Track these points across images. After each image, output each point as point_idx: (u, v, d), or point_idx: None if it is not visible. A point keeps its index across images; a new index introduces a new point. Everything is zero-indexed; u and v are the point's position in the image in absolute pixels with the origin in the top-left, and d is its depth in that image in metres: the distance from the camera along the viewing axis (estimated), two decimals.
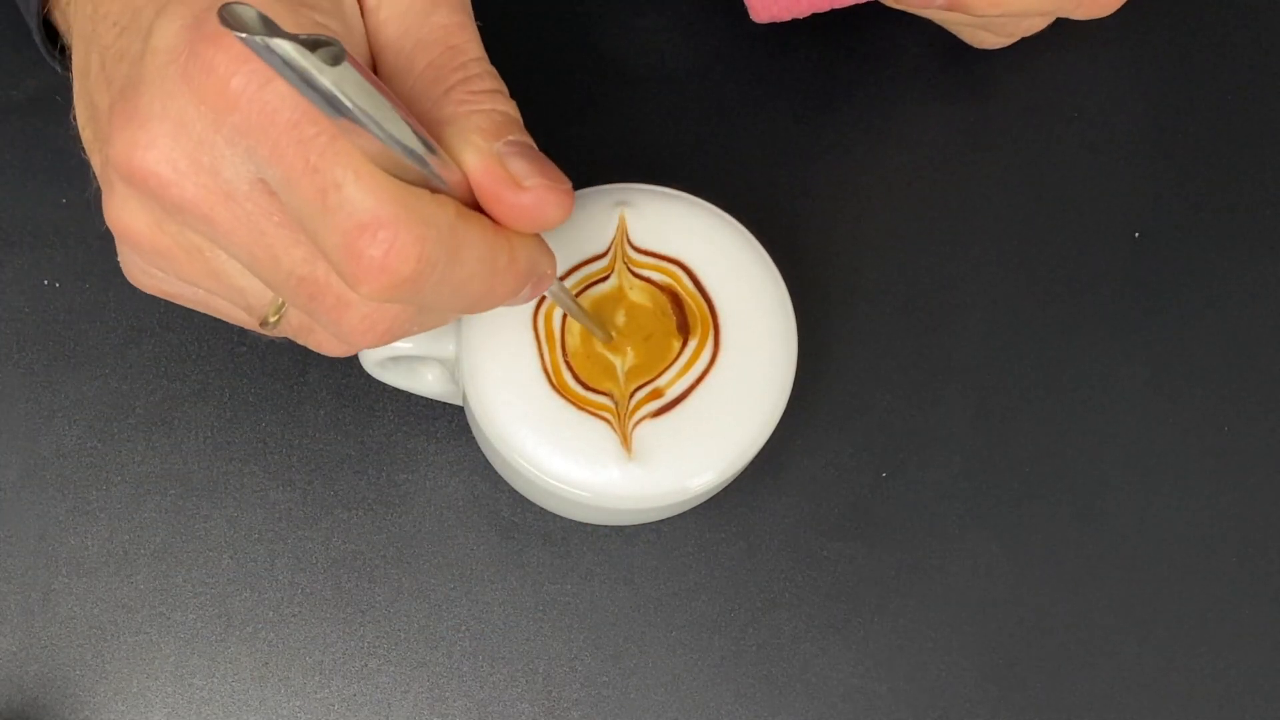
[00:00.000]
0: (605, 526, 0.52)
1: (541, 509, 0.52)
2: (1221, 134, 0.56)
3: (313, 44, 0.31)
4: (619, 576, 0.52)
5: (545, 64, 0.55)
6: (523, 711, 0.51)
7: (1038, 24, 0.51)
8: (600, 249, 0.45)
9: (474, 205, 0.37)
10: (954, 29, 0.53)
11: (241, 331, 0.53)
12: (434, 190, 0.35)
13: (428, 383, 0.50)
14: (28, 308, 0.53)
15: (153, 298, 0.53)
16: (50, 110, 0.54)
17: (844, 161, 0.55)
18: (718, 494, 0.49)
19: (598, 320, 0.44)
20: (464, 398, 0.47)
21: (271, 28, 0.30)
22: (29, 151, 0.53)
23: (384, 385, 0.51)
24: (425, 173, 0.35)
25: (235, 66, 0.33)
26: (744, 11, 0.52)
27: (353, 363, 0.52)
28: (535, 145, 0.37)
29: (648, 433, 0.44)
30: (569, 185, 0.37)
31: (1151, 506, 0.54)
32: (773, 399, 0.45)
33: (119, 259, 0.40)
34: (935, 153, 0.56)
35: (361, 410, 0.53)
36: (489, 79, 0.38)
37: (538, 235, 0.38)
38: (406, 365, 0.49)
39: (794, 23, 0.53)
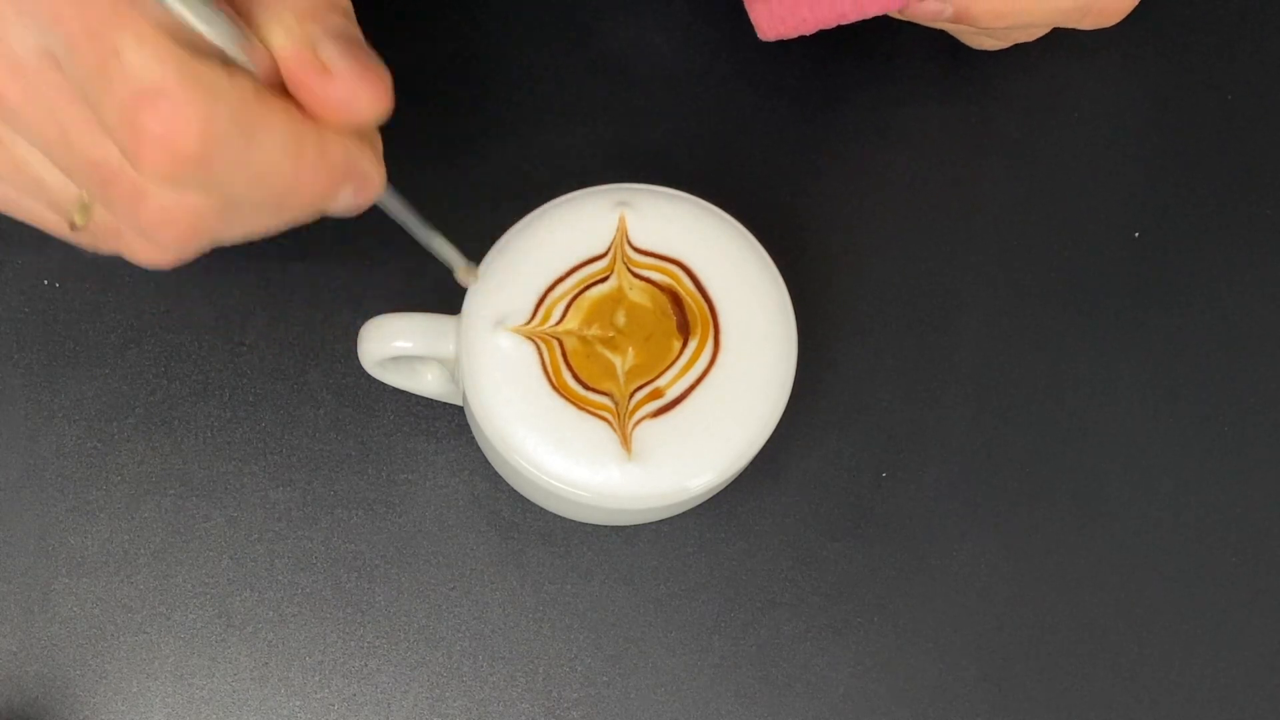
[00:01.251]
0: (605, 526, 0.52)
1: (541, 509, 0.52)
2: (1221, 134, 0.56)
3: None
4: (619, 576, 0.52)
5: (545, 64, 0.55)
6: (523, 711, 0.51)
7: (1037, 31, 0.51)
8: (600, 249, 0.45)
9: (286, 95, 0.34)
10: (954, 32, 0.53)
11: (242, 331, 0.53)
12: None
13: (428, 383, 0.50)
14: (28, 308, 0.53)
15: (153, 297, 0.53)
16: None
17: (844, 161, 0.55)
18: (718, 494, 0.49)
19: (447, 248, 0.42)
20: (464, 398, 0.47)
21: None
22: None
23: (384, 385, 0.51)
24: (227, 51, 0.32)
25: None
26: (744, 11, 0.52)
27: (353, 363, 0.52)
28: (360, 35, 0.35)
29: (648, 433, 0.44)
30: (387, 77, 0.34)
31: (1151, 507, 0.54)
32: (773, 399, 0.45)
33: None
34: (935, 153, 0.56)
35: (361, 410, 0.53)
36: None
37: (364, 134, 0.35)
38: (406, 365, 0.49)
39: None
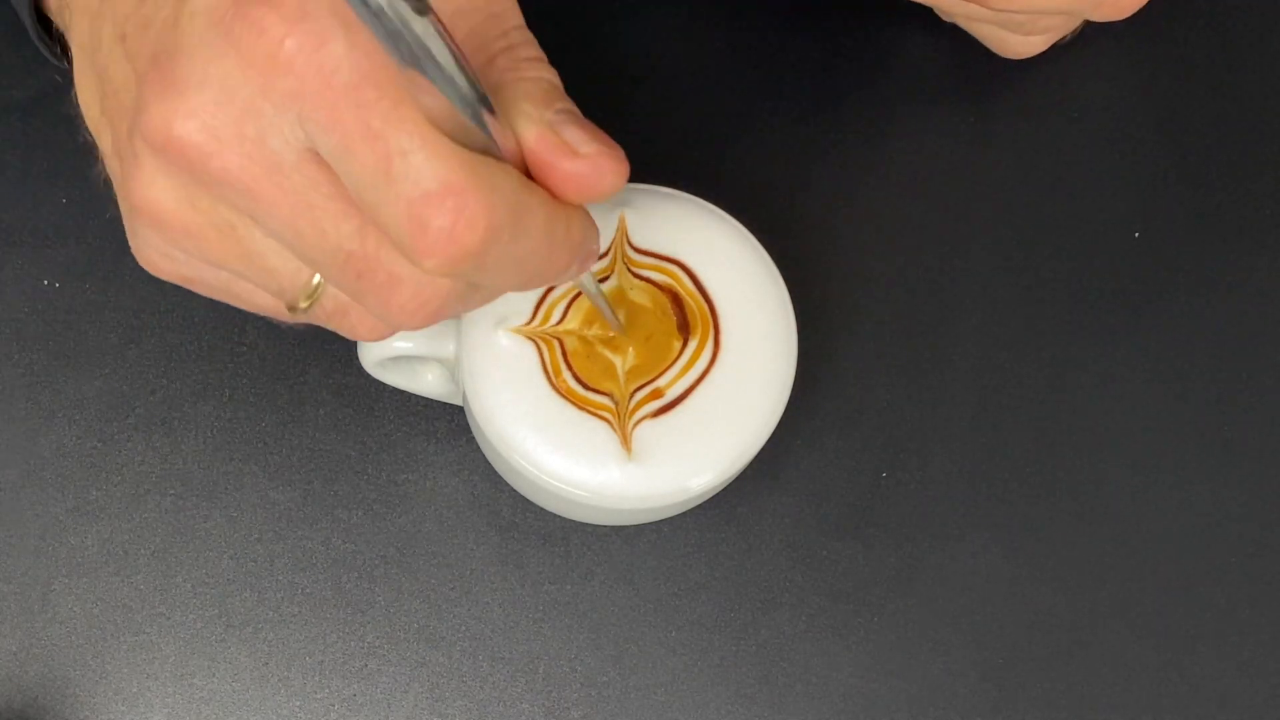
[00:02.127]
0: (605, 526, 0.52)
1: (541, 509, 0.52)
2: (1222, 134, 0.56)
3: None
4: (619, 576, 0.52)
5: None
6: (523, 711, 0.51)
7: (1057, 23, 0.51)
8: (600, 249, 0.45)
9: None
10: (978, 34, 0.52)
11: (242, 331, 0.53)
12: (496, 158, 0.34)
13: (428, 383, 0.50)
14: (28, 308, 0.53)
15: (153, 297, 0.53)
16: (50, 110, 0.54)
17: (844, 161, 0.55)
18: (718, 494, 0.49)
19: (614, 308, 0.44)
20: (464, 398, 0.47)
21: None
22: (29, 151, 0.53)
23: (384, 385, 0.51)
24: (486, 139, 0.33)
25: (289, 27, 0.31)
26: (743, 11, 0.52)
27: (353, 363, 0.52)
28: (581, 113, 0.36)
29: (648, 433, 0.44)
30: (622, 151, 0.35)
31: (1151, 506, 0.54)
32: (773, 399, 0.45)
33: (132, 241, 0.37)
34: (935, 153, 0.56)
35: (361, 410, 0.53)
36: (532, 46, 0.37)
37: (585, 208, 0.37)
38: (406, 365, 0.49)
39: (794, 24, 0.53)
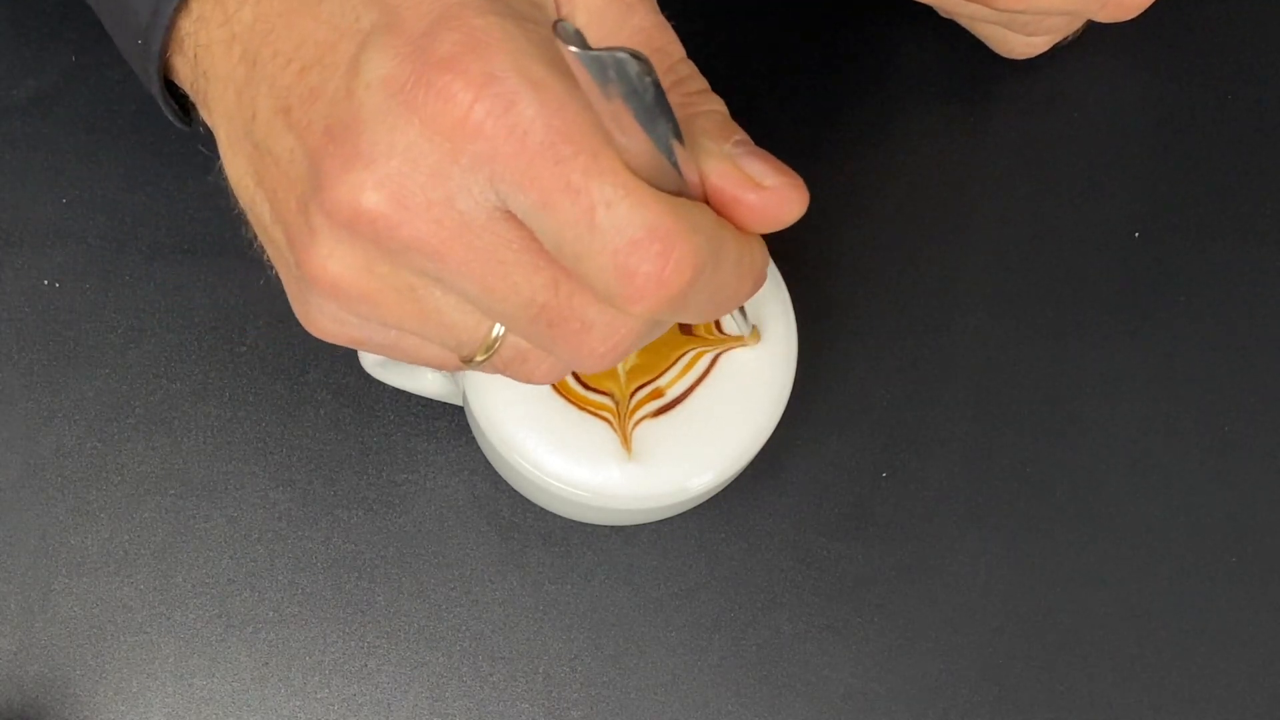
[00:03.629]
0: (605, 526, 0.52)
1: (541, 509, 0.52)
2: (1222, 134, 0.56)
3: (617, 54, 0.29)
4: (619, 576, 0.52)
5: None
6: (523, 711, 0.51)
7: (1060, 24, 0.51)
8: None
9: None
10: (980, 33, 0.52)
11: (242, 331, 0.53)
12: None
13: (428, 383, 0.50)
14: (28, 308, 0.53)
15: (153, 297, 0.53)
16: (50, 110, 0.54)
17: (844, 162, 0.55)
18: (718, 494, 0.49)
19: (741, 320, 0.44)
20: (464, 398, 0.47)
21: (582, 40, 0.29)
22: (29, 151, 0.53)
23: (384, 385, 0.51)
24: (678, 180, 0.33)
25: (476, 92, 0.32)
26: (743, 12, 0.52)
27: (353, 363, 0.52)
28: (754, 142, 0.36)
29: (648, 433, 0.44)
30: (802, 181, 0.36)
31: (1151, 506, 0.54)
32: (773, 399, 0.45)
33: (302, 309, 0.37)
34: (936, 153, 0.56)
35: (361, 410, 0.53)
36: (698, 79, 0.37)
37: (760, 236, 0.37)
38: (406, 365, 0.49)
39: (794, 24, 0.53)
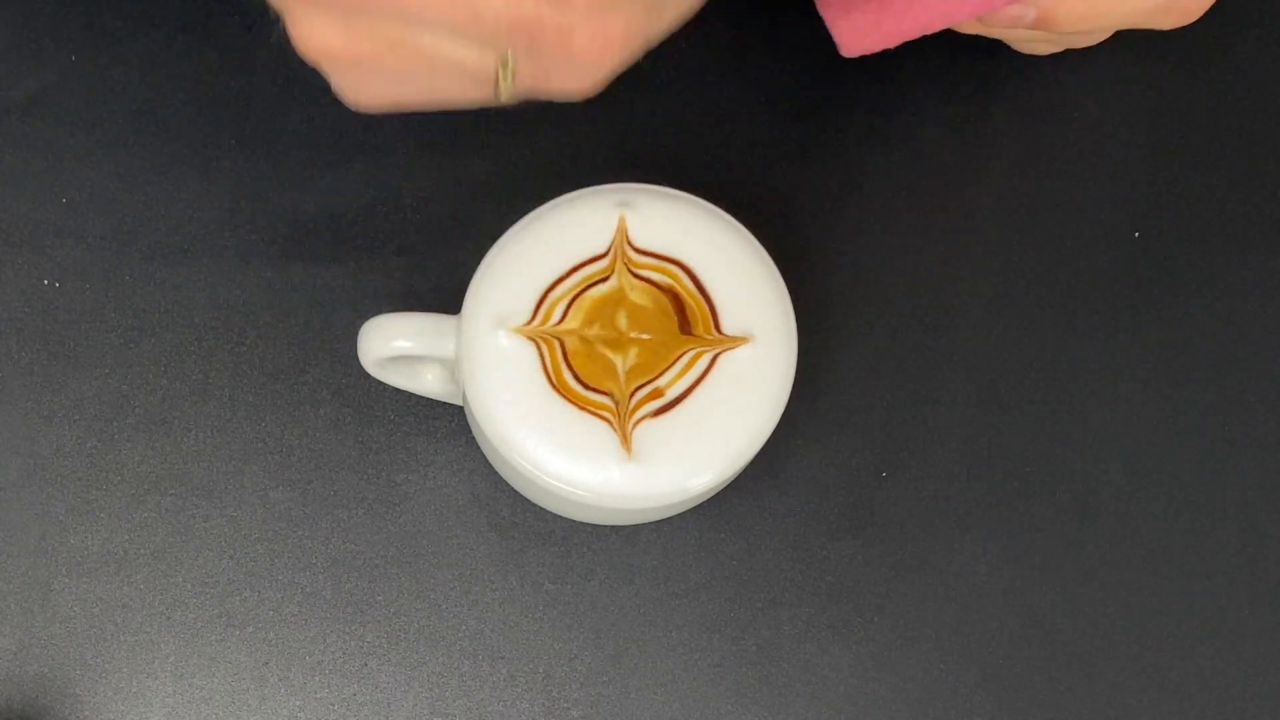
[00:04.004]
0: (605, 526, 0.52)
1: (541, 509, 0.52)
2: (1221, 134, 0.56)
3: None
4: (619, 576, 0.52)
5: None
6: (523, 711, 0.51)
7: (1099, 36, 0.51)
8: (600, 249, 0.45)
9: None
10: (1006, 38, 0.52)
11: (242, 331, 0.53)
12: None
13: (428, 383, 0.50)
14: (28, 308, 0.53)
15: (153, 297, 0.53)
16: (50, 110, 0.54)
17: (844, 161, 0.55)
18: (718, 494, 0.49)
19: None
20: (464, 398, 0.47)
21: None
22: (29, 151, 0.53)
23: (384, 385, 0.51)
24: None
25: None
26: (743, 12, 0.52)
27: (353, 363, 0.52)
28: None
29: (648, 433, 0.44)
30: None
31: (1151, 506, 0.54)
32: (773, 399, 0.45)
33: (335, 91, 0.39)
34: (935, 153, 0.56)
35: (361, 410, 0.53)
36: None
37: None
38: (406, 365, 0.49)
39: (794, 24, 0.53)
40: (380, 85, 0.38)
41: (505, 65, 0.37)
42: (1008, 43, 0.53)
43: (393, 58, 0.36)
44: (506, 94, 0.38)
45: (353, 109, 0.39)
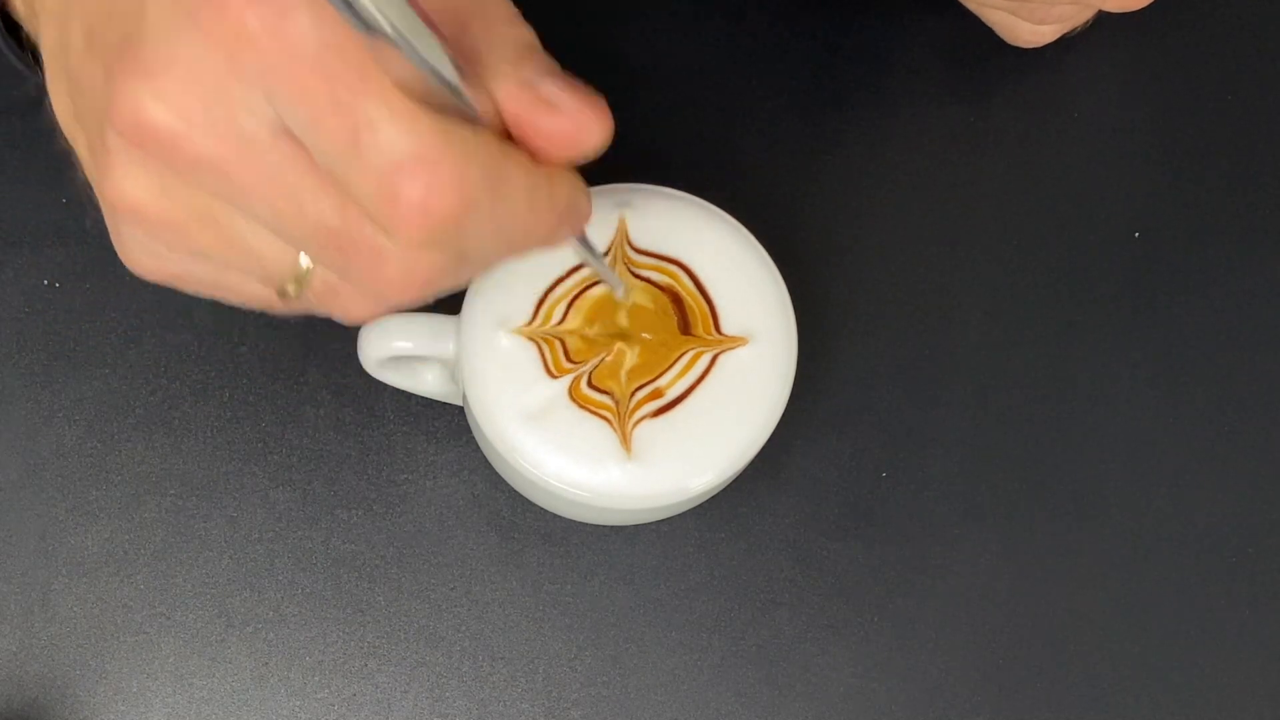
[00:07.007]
0: (605, 526, 0.52)
1: (541, 509, 0.52)
2: (1222, 134, 0.56)
3: None
4: (619, 576, 0.52)
5: None
6: (523, 711, 0.51)
7: (1070, 12, 0.50)
8: (600, 249, 0.45)
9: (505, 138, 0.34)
10: (988, 19, 0.52)
11: (242, 331, 0.53)
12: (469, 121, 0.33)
13: (428, 383, 0.50)
14: (28, 308, 0.53)
15: (153, 297, 0.53)
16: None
17: (844, 161, 0.55)
18: (718, 494, 0.49)
19: (614, 272, 0.43)
20: (464, 398, 0.47)
21: None
22: (29, 151, 0.53)
23: (384, 385, 0.51)
24: (459, 103, 0.32)
25: (250, 3, 0.30)
26: (743, 11, 0.52)
27: (353, 363, 0.52)
28: (561, 69, 0.35)
29: (648, 432, 0.44)
30: (605, 105, 0.34)
31: (1151, 506, 0.54)
32: (773, 399, 0.45)
33: (116, 241, 0.36)
34: (935, 153, 0.56)
35: (361, 410, 0.53)
36: (505, 5, 0.36)
37: (572, 168, 0.35)
38: (406, 365, 0.49)
39: (794, 23, 0.53)
40: (167, 256, 0.36)
41: (299, 277, 0.35)
42: (995, 29, 0.53)
43: (198, 232, 0.34)
44: (288, 301, 0.36)
45: (128, 268, 0.37)
